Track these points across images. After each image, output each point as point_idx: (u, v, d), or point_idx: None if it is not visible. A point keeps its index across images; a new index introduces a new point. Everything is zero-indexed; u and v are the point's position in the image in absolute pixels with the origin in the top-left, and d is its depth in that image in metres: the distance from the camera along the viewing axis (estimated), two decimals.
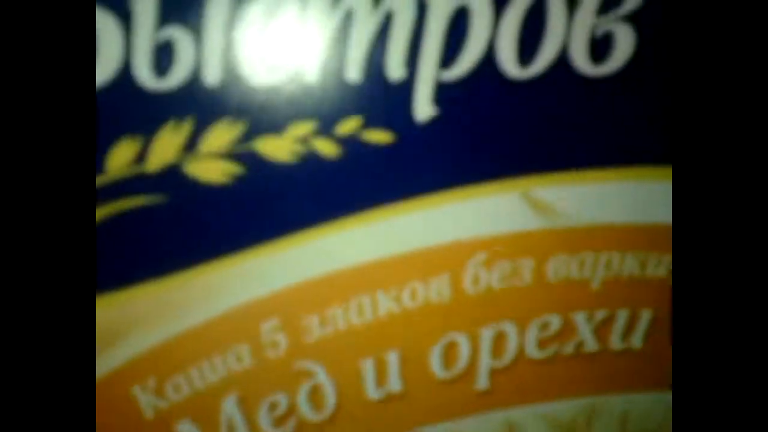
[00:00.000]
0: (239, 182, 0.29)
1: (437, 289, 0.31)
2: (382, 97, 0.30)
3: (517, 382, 0.32)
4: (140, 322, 0.29)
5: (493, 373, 0.32)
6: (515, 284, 0.31)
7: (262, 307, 0.30)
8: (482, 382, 0.32)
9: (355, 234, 0.30)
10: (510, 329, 0.32)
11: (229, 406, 0.30)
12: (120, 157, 0.28)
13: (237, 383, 0.30)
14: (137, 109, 0.28)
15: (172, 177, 0.29)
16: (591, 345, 0.32)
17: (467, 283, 0.31)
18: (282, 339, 0.30)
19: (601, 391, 0.33)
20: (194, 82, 0.29)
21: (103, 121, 0.28)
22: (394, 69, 0.29)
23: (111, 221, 0.29)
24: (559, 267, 0.31)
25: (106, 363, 0.30)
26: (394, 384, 0.31)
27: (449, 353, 0.31)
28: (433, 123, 0.30)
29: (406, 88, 0.30)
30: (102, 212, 0.29)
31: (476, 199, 0.30)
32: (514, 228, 0.31)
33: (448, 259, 0.31)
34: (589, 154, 0.31)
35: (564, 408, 0.32)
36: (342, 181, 0.30)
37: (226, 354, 0.30)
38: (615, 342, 0.33)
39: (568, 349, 0.32)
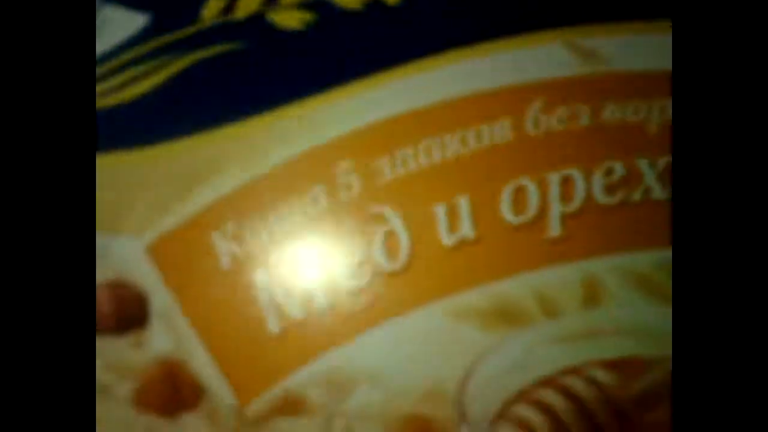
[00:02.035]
0: (313, 28, 0.31)
1: (501, 132, 0.31)
2: None
3: (590, 229, 0.31)
4: (222, 165, 0.31)
5: (565, 218, 0.31)
6: (574, 128, 0.31)
7: (336, 149, 0.31)
8: (554, 228, 0.31)
9: (421, 77, 0.31)
10: (576, 174, 0.31)
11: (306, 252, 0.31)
12: (213, 8, 0.32)
13: (313, 228, 0.31)
14: None
15: (256, 25, 0.32)
16: (658, 192, 0.31)
17: (529, 127, 0.31)
18: (355, 181, 0.31)
19: None
20: None
21: None
22: None
23: (201, 65, 0.31)
24: (614, 111, 0.31)
25: (184, 210, 0.31)
26: (467, 230, 0.31)
27: (518, 198, 0.31)
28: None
29: None
30: (193, 57, 0.31)
31: (523, 47, 0.31)
32: (564, 74, 0.31)
33: (509, 102, 0.31)
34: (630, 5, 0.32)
35: (641, 260, 0.30)
36: (408, 26, 0.31)
37: (303, 196, 0.31)
38: None
39: (636, 196, 0.31)
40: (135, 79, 0.32)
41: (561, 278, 0.31)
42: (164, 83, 0.32)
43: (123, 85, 0.32)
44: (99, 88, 0.33)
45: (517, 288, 0.31)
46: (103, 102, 0.33)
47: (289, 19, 0.33)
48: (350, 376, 0.30)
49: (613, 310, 0.30)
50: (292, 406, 0.30)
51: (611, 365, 0.30)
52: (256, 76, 0.32)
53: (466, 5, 0.32)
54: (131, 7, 0.33)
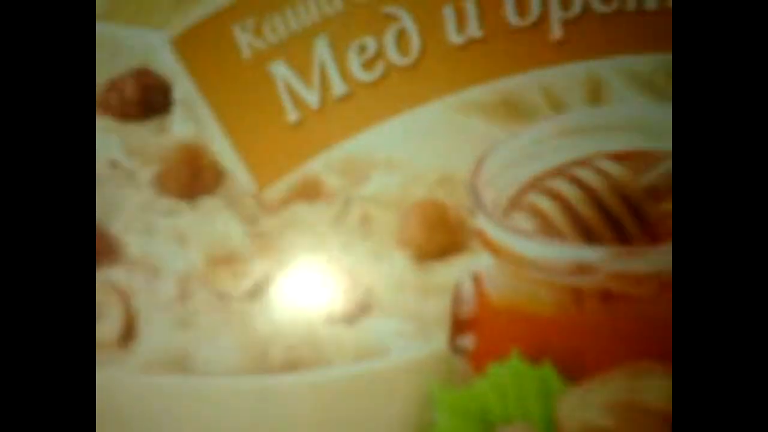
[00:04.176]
0: None
1: None
2: None
3: (591, 34, 0.32)
4: None
5: (565, 23, 0.32)
6: None
7: None
8: (556, 30, 0.32)
9: None
10: None
11: (321, 47, 0.32)
12: None
13: (328, 25, 0.32)
14: None
15: None
16: (651, 3, 0.32)
17: None
18: None
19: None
20: None
21: None
22: None
23: None
24: None
25: (207, 4, 0.32)
26: (474, 29, 0.32)
27: (521, 1, 0.32)
28: None
29: None
30: None
31: None
32: None
33: None
34: None
35: (642, 62, 0.32)
36: None
37: None
38: None
39: (631, 5, 0.32)
40: None
41: (565, 76, 0.32)
42: None
43: None
44: None
45: (523, 84, 0.32)
46: None
47: None
48: (366, 162, 0.32)
49: (617, 107, 0.32)
50: (309, 191, 0.32)
51: (618, 157, 0.32)
52: None
53: None
54: None
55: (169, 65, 0.32)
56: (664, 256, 0.30)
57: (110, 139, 0.32)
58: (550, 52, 0.32)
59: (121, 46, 0.32)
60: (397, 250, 0.31)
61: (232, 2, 0.32)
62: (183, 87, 0.32)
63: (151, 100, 0.32)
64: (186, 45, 0.32)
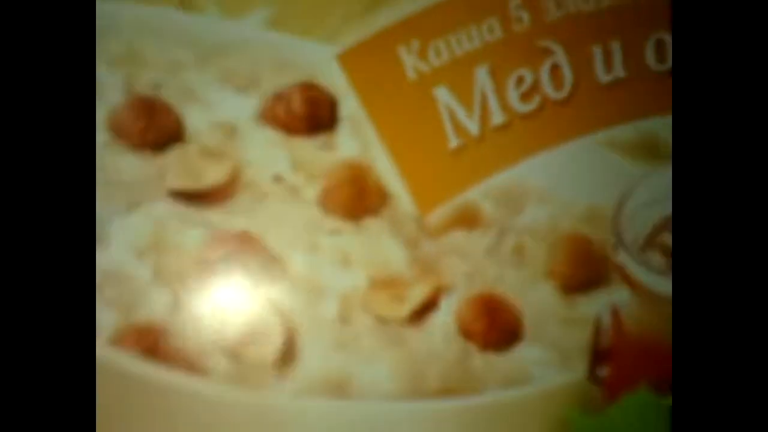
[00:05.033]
0: None
1: None
2: None
3: None
4: None
5: None
6: None
7: None
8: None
9: None
10: None
11: (482, 75, 0.32)
12: None
13: (488, 53, 0.32)
14: None
15: None
16: None
17: None
18: (525, 16, 0.32)
19: None
20: None
21: None
22: None
23: None
24: None
25: (375, 22, 0.31)
26: (619, 70, 0.33)
27: (660, 47, 0.33)
28: None
29: None
30: None
31: None
32: None
33: None
34: None
35: None
36: None
37: (480, 24, 0.32)
38: None
39: None
40: None
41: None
42: None
43: None
44: None
45: (661, 126, 0.33)
46: None
47: None
48: (521, 193, 0.32)
49: None
50: (468, 219, 0.32)
51: None
52: None
53: None
54: None
55: (336, 80, 0.31)
56: None
57: (276, 152, 0.30)
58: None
59: (288, 58, 0.31)
60: (545, 281, 0.32)
61: (398, 22, 0.31)
62: (349, 104, 0.31)
63: (317, 114, 0.31)
64: (353, 61, 0.31)
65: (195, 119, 0.30)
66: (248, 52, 0.31)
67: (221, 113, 0.31)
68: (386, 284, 0.31)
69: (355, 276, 0.30)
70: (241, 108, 0.31)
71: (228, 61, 0.31)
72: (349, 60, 0.31)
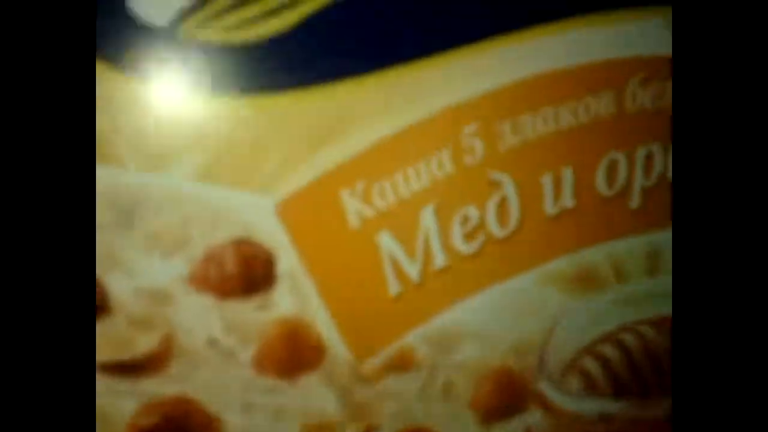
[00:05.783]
0: None
1: (605, 105, 0.31)
2: None
3: (659, 203, 0.33)
4: (356, 119, 0.28)
5: (643, 192, 0.33)
6: (662, 105, 0.32)
7: (465, 111, 0.29)
8: (635, 200, 0.32)
9: (544, 41, 0.30)
10: (656, 149, 0.32)
11: (427, 217, 0.30)
12: None
13: (436, 191, 0.30)
14: None
15: None
16: None
17: (628, 101, 0.31)
18: (479, 145, 0.30)
19: None
20: None
21: None
22: None
23: (331, 11, 0.27)
24: None
25: (315, 167, 0.28)
26: (567, 199, 0.32)
27: (611, 170, 0.32)
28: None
29: None
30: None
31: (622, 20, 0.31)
32: (662, 51, 0.31)
33: (613, 76, 0.31)
34: None
35: None
36: None
37: (430, 159, 0.30)
38: None
39: None
40: (274, 12, 0.27)
41: (632, 248, 0.32)
42: (306, 18, 0.27)
43: (259, 18, 0.27)
44: (230, 20, 0.27)
45: (598, 255, 0.32)
46: (234, 36, 0.27)
47: None
48: (456, 335, 0.30)
49: (665, 277, 0.33)
50: (402, 363, 0.30)
51: (655, 323, 0.33)
52: (403, 20, 0.28)
53: None
54: None
55: (273, 234, 0.28)
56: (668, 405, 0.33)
57: (209, 316, 0.28)
58: (627, 222, 0.32)
59: (220, 212, 0.27)
60: (468, 413, 0.31)
61: (342, 163, 0.28)
62: (287, 259, 0.28)
63: (253, 274, 0.28)
64: (292, 211, 0.28)
65: (119, 287, 0.28)
66: (175, 209, 0.27)
67: (148, 279, 0.28)
68: (318, 430, 0.29)
69: (289, 427, 0.29)
70: (169, 272, 0.28)
71: (153, 221, 0.27)
72: (288, 210, 0.28)
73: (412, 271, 0.30)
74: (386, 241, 0.29)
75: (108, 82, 0.27)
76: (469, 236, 0.30)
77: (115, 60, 0.27)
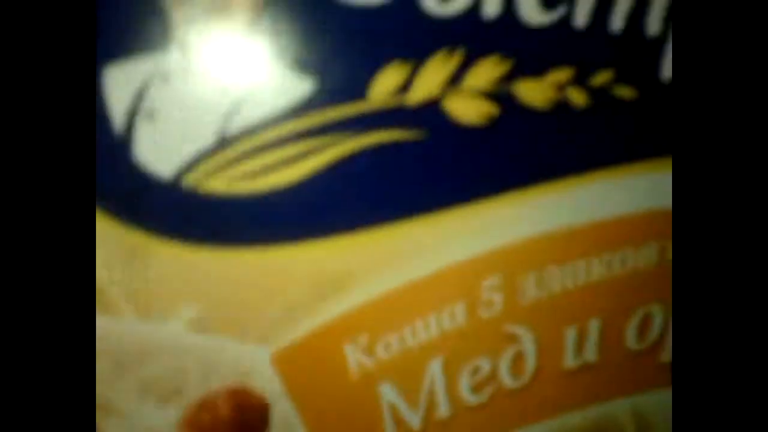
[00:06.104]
0: (492, 125, 0.26)
1: (646, 256, 0.29)
2: (636, 52, 0.27)
3: None
4: (362, 271, 0.27)
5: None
6: None
7: (485, 263, 0.28)
8: (666, 354, 0.30)
9: (591, 190, 0.28)
10: None
11: (434, 369, 0.28)
12: (386, 84, 0.25)
13: (445, 343, 0.28)
14: (415, 33, 0.25)
15: (430, 112, 0.26)
16: None
17: (669, 252, 0.29)
18: (498, 299, 0.28)
19: None
20: (472, 12, 0.26)
21: (376, 41, 0.25)
22: (653, 24, 0.27)
23: (339, 166, 0.26)
24: None
25: (316, 318, 0.27)
26: (590, 354, 0.30)
27: (644, 324, 0.30)
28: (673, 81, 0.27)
29: (659, 44, 0.27)
30: (360, 142, 0.26)
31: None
32: None
33: (654, 227, 0.29)
34: None
35: None
36: (587, 133, 0.27)
37: (442, 311, 0.28)
38: None
39: None
40: (284, 164, 0.25)
41: (658, 402, 0.30)
42: (321, 170, 0.25)
43: (269, 169, 0.25)
44: (239, 170, 0.25)
45: (620, 409, 0.30)
46: (241, 186, 0.25)
47: (468, 109, 0.26)
48: None
49: None
50: None
51: None
52: (418, 173, 0.26)
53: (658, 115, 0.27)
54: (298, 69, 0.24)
55: (269, 384, 0.26)
56: None
57: None
58: (655, 374, 0.30)
59: (216, 363, 0.26)
60: None
61: (346, 314, 0.27)
62: (282, 408, 0.27)
63: (246, 420, 0.26)
64: (289, 362, 0.26)
65: None
66: (171, 359, 0.26)
67: (141, 427, 0.26)
68: None
69: None
70: (163, 419, 0.26)
71: (149, 370, 0.26)
72: (284, 360, 0.27)
73: (413, 419, 0.28)
74: (387, 392, 0.28)
75: (107, 233, 0.26)
76: (477, 387, 0.28)
77: (116, 210, 0.25)
